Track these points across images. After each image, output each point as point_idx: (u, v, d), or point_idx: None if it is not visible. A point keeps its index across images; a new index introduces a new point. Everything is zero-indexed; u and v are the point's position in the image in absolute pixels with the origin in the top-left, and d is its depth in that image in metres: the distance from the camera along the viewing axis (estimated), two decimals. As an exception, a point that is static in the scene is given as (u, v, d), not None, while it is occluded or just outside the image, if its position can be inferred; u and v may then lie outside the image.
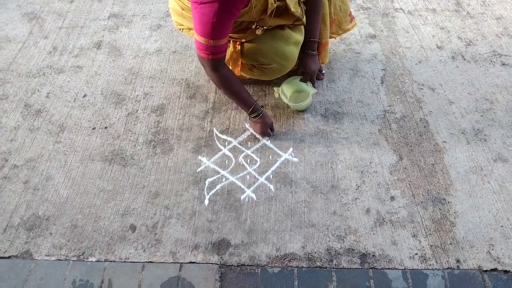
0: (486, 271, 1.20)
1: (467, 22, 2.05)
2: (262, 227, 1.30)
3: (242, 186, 1.40)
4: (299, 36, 1.51)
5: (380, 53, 1.88)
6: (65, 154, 1.49)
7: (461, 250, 1.24)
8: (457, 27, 2.02)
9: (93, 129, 1.57)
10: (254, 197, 1.37)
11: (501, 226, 1.29)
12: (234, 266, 1.22)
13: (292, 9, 1.40)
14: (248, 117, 1.53)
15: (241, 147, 1.52)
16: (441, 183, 1.41)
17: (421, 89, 1.72)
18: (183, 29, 1.62)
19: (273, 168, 1.45)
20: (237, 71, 1.58)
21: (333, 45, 1.90)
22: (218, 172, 1.44)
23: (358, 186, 1.40)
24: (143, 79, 1.76)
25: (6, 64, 1.82)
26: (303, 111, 1.63)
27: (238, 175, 1.43)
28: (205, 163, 1.47)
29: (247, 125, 1.58)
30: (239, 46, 1.51)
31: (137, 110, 1.63)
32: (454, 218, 1.32)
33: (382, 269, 1.21)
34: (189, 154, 1.49)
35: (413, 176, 1.42)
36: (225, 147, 1.52)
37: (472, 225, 1.30)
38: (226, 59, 1.49)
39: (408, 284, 1.18)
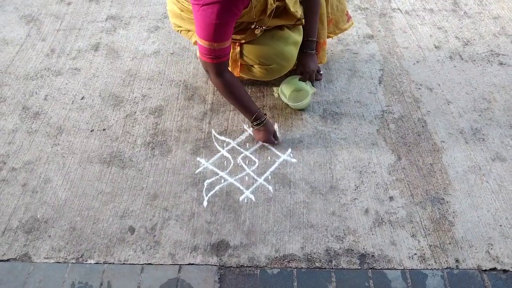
0: (485, 270, 1.20)
1: (464, 22, 2.05)
2: (261, 228, 1.30)
3: (241, 187, 1.40)
4: (298, 36, 1.51)
5: (378, 53, 1.88)
6: (63, 157, 1.48)
7: (460, 249, 1.24)
8: (455, 27, 2.02)
9: (91, 131, 1.57)
10: (253, 198, 1.37)
11: (500, 226, 1.30)
12: (233, 267, 1.22)
13: (292, 9, 1.40)
14: (251, 125, 1.50)
15: (239, 148, 1.52)
16: (439, 183, 1.41)
17: (419, 89, 1.73)
18: (181, 30, 1.62)
19: (271, 169, 1.45)
20: (237, 72, 1.58)
21: (331, 45, 1.91)
22: (217, 174, 1.44)
23: (357, 187, 1.40)
24: (141, 81, 1.76)
25: (3, 67, 1.82)
26: (302, 110, 1.63)
27: (237, 176, 1.43)
28: (203, 165, 1.47)
29: (245, 127, 1.58)
30: (239, 47, 1.51)
31: (135, 112, 1.63)
32: (453, 217, 1.32)
33: (381, 269, 1.21)
34: (187, 155, 1.49)
35: (411, 176, 1.42)
36: (223, 148, 1.51)
37: (471, 224, 1.30)
38: None
39: (407, 284, 1.18)
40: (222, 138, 1.55)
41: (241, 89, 1.46)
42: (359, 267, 1.21)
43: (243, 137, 1.55)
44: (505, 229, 1.29)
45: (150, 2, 2.17)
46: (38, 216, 1.32)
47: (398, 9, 2.13)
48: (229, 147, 1.52)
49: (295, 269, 1.21)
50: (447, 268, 1.21)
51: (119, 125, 1.59)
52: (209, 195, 1.38)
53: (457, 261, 1.22)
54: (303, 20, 1.48)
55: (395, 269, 1.21)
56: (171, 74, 1.79)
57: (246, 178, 1.43)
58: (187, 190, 1.39)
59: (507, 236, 1.27)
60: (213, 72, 1.37)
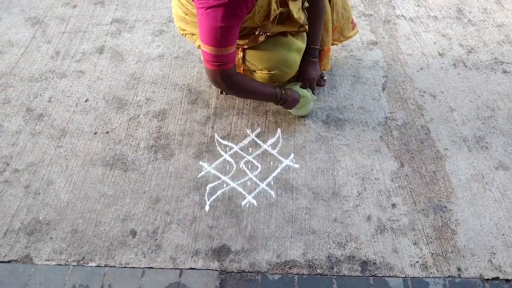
0: (487, 279, 1.20)
1: (468, 30, 2.06)
2: (262, 233, 1.29)
3: (243, 192, 1.40)
4: (301, 43, 1.52)
5: (382, 59, 1.89)
6: (66, 159, 1.49)
7: (462, 258, 1.24)
8: (459, 35, 2.03)
9: (94, 134, 1.57)
10: (255, 203, 1.37)
11: (503, 235, 1.29)
12: (235, 272, 1.21)
13: (295, 16, 1.40)
14: (278, 104, 1.55)
15: (242, 152, 1.52)
16: (442, 190, 1.40)
17: (423, 96, 1.73)
18: (185, 34, 1.62)
19: (274, 174, 1.45)
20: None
21: (335, 51, 1.91)
22: (219, 178, 1.44)
23: (359, 193, 1.39)
24: (145, 84, 1.76)
25: (8, 69, 1.83)
26: (303, 117, 1.63)
27: (239, 181, 1.43)
28: (206, 169, 1.47)
29: (248, 131, 1.58)
30: (241, 53, 1.52)
31: (138, 115, 1.64)
32: (455, 226, 1.31)
33: (383, 276, 1.20)
34: (190, 159, 1.49)
35: (414, 184, 1.42)
36: (226, 153, 1.52)
37: (474, 233, 1.29)
38: None
39: (409, 292, 1.17)
40: (225, 142, 1.55)
41: (252, 83, 1.47)
42: (361, 274, 1.21)
43: (246, 141, 1.55)
44: (507, 238, 1.28)
45: (155, 6, 2.18)
46: (40, 218, 1.33)
47: (402, 16, 2.14)
48: (231, 151, 1.52)
49: (296, 275, 1.20)
50: (449, 276, 1.20)
51: (122, 128, 1.59)
52: (211, 199, 1.38)
53: (459, 269, 1.22)
54: (307, 27, 1.49)
55: (397, 276, 1.20)
56: (175, 78, 1.79)
57: (249, 183, 1.43)
58: (189, 194, 1.39)
59: (509, 245, 1.27)
60: (221, 80, 1.36)
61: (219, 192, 1.40)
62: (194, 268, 1.22)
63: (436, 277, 1.20)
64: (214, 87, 1.74)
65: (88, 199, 1.38)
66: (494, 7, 2.19)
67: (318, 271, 1.21)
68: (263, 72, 1.53)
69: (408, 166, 1.47)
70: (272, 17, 1.37)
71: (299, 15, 1.42)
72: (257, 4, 1.30)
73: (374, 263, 1.23)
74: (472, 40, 2.00)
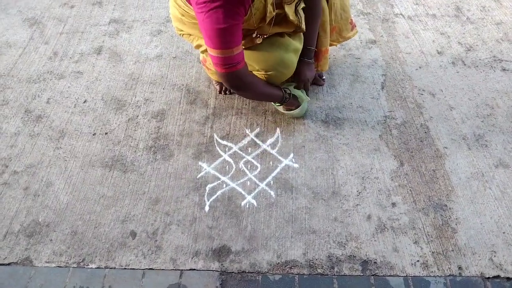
0: (488, 278, 1.20)
1: (467, 28, 2.05)
2: (263, 233, 1.29)
3: (243, 192, 1.40)
4: (298, 44, 1.51)
5: (380, 58, 1.88)
6: (65, 160, 1.48)
7: (463, 257, 1.24)
8: (457, 33, 2.02)
9: (93, 135, 1.57)
10: (255, 203, 1.37)
11: (503, 233, 1.29)
12: (235, 273, 1.21)
13: (291, 17, 1.40)
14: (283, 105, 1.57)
15: (241, 153, 1.52)
16: (442, 189, 1.40)
17: (422, 94, 1.72)
18: (183, 34, 1.62)
19: (273, 174, 1.45)
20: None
21: (333, 50, 1.91)
22: (219, 178, 1.44)
23: (359, 192, 1.39)
24: (143, 84, 1.76)
25: (6, 70, 1.82)
26: (301, 117, 1.62)
27: (239, 181, 1.43)
28: (205, 169, 1.46)
29: (247, 131, 1.58)
30: None
31: (137, 116, 1.63)
32: (456, 224, 1.31)
33: (383, 276, 1.20)
34: (189, 160, 1.49)
35: (414, 182, 1.42)
36: (225, 153, 1.51)
37: (474, 231, 1.29)
38: None
39: (409, 291, 1.17)
40: (224, 142, 1.54)
41: (263, 85, 1.48)
42: (361, 274, 1.21)
43: (245, 141, 1.55)
44: (508, 236, 1.28)
45: (153, 6, 2.18)
46: (40, 220, 1.32)
47: (401, 14, 2.13)
48: (231, 151, 1.52)
49: (297, 275, 1.20)
50: (450, 275, 1.20)
51: (121, 129, 1.59)
52: (211, 200, 1.38)
53: (460, 268, 1.22)
54: (304, 28, 1.48)
55: (398, 276, 1.20)
56: (173, 78, 1.79)
57: (248, 183, 1.43)
58: (189, 195, 1.39)
59: (510, 243, 1.27)
60: (231, 82, 1.36)
61: (218, 193, 1.40)
62: (194, 269, 1.22)
63: (437, 276, 1.20)
64: (212, 87, 1.73)
65: (87, 200, 1.37)
66: (493, 5, 2.19)
67: (319, 271, 1.21)
68: (260, 72, 1.52)
69: (408, 165, 1.47)
70: (268, 19, 1.36)
71: (294, 16, 1.42)
72: (253, 6, 1.30)
73: (375, 262, 1.23)
74: (470, 38, 1.99)
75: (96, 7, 2.17)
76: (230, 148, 1.53)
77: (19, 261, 1.23)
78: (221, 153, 1.51)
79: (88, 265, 1.23)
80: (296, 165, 1.47)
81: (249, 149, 1.53)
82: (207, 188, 1.41)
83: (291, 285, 1.18)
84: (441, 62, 1.87)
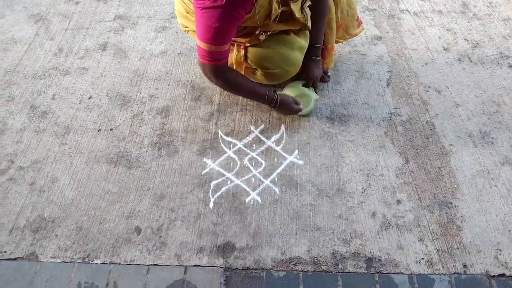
0: (493, 276, 1.19)
1: (473, 24, 2.03)
2: (267, 230, 1.29)
3: (247, 189, 1.40)
4: (304, 42, 1.50)
5: (386, 54, 1.87)
6: (71, 156, 1.49)
7: (468, 254, 1.23)
8: (464, 29, 2.00)
9: (98, 131, 1.57)
10: (259, 200, 1.37)
11: (509, 231, 1.28)
12: (239, 269, 1.21)
13: (297, 15, 1.39)
14: (269, 108, 1.55)
15: (246, 149, 1.51)
16: (447, 186, 1.39)
17: (427, 91, 1.71)
18: (188, 31, 1.62)
19: (278, 171, 1.45)
20: (241, 75, 1.58)
21: (339, 46, 1.89)
22: (223, 175, 1.44)
23: (364, 190, 1.39)
24: (148, 80, 1.76)
25: (12, 66, 1.83)
26: (306, 115, 1.62)
27: (243, 178, 1.43)
28: (210, 166, 1.46)
29: (252, 128, 1.58)
30: (243, 50, 1.51)
31: (142, 112, 1.63)
32: (461, 222, 1.30)
33: (388, 273, 1.20)
34: (194, 156, 1.49)
35: (419, 180, 1.41)
36: (230, 149, 1.51)
37: (479, 229, 1.29)
38: (230, 62, 1.49)
39: (414, 288, 1.17)
40: (229, 139, 1.54)
41: (244, 81, 1.47)
42: (366, 271, 1.20)
43: (249, 138, 1.55)
44: (514, 235, 1.27)
45: (158, 2, 2.17)
46: (45, 215, 1.33)
47: (407, 10, 2.12)
48: (235, 148, 1.52)
49: (301, 272, 1.20)
50: (454, 273, 1.20)
51: (126, 125, 1.59)
52: (215, 196, 1.38)
53: (465, 266, 1.21)
54: (309, 26, 1.47)
55: (402, 273, 1.20)
56: (178, 74, 1.79)
57: (253, 179, 1.43)
58: (194, 191, 1.39)
59: (516, 241, 1.26)
60: (212, 74, 1.39)
61: (223, 189, 1.40)
62: (199, 265, 1.22)
63: (442, 273, 1.20)
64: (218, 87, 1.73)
65: (92, 196, 1.38)
66: (500, 1, 2.16)
67: (323, 268, 1.21)
68: (264, 70, 1.52)
69: (413, 162, 1.46)
70: (273, 17, 1.36)
71: (301, 14, 1.41)
72: (258, 4, 1.29)
73: (379, 259, 1.22)
74: (477, 34, 1.97)
75: (101, 3, 2.17)
76: (235, 145, 1.53)
77: (25, 256, 1.24)
78: (226, 149, 1.51)
79: (93, 260, 1.23)
80: (300, 162, 1.47)
81: (254, 145, 1.53)
82: (211, 185, 1.41)
83: (295, 282, 1.18)
84: (447, 59, 1.85)
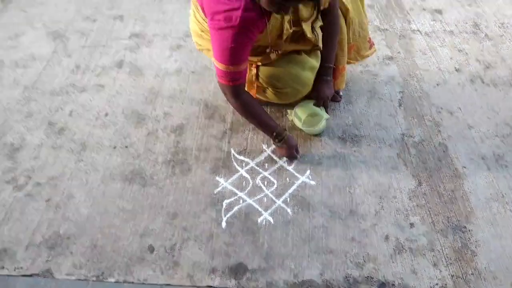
0: (509, 304, 1.18)
1: (485, 45, 2.04)
2: (279, 252, 1.30)
3: (259, 209, 1.41)
4: (315, 62, 1.52)
5: (398, 75, 1.88)
6: (87, 173, 1.52)
7: (483, 281, 1.22)
8: (475, 50, 2.01)
9: (114, 148, 1.60)
10: (271, 221, 1.37)
11: (524, 257, 1.27)
12: (252, 291, 1.21)
13: (309, 35, 1.41)
14: (273, 142, 1.53)
15: (258, 168, 1.53)
16: (461, 210, 1.39)
17: (440, 112, 1.72)
18: (202, 49, 1.65)
19: (290, 191, 1.45)
20: (253, 93, 1.60)
21: (350, 66, 1.91)
22: (236, 194, 1.45)
23: (377, 212, 1.39)
24: (163, 98, 1.79)
25: (31, 82, 1.88)
26: (317, 134, 1.63)
27: (255, 197, 1.44)
28: (222, 184, 1.48)
29: (264, 147, 1.59)
30: (255, 69, 1.54)
31: (157, 130, 1.66)
32: (476, 247, 1.29)
33: (401, 298, 1.19)
34: (207, 174, 1.50)
35: (432, 203, 1.41)
36: (242, 168, 1.53)
37: (495, 255, 1.27)
38: None
39: (428, 315, 1.16)
40: (241, 158, 1.56)
41: (259, 108, 1.48)
42: (379, 296, 1.20)
43: (262, 157, 1.56)
44: (529, 261, 1.26)
45: (173, 21, 2.22)
46: (61, 232, 1.35)
47: (418, 30, 2.13)
48: (248, 167, 1.53)
49: (314, 295, 1.20)
50: (469, 299, 1.19)
51: (141, 142, 1.62)
52: (228, 215, 1.39)
53: (480, 293, 1.20)
54: (321, 46, 1.49)
55: (416, 299, 1.19)
56: (192, 92, 1.82)
57: (265, 199, 1.43)
58: (206, 210, 1.40)
59: (532, 268, 1.24)
60: (231, 94, 1.41)
61: (235, 208, 1.41)
62: (211, 286, 1.22)
63: (456, 300, 1.19)
64: (233, 108, 1.75)
65: (107, 213, 1.40)
66: (512, 22, 2.17)
67: (336, 291, 1.21)
68: (274, 89, 1.54)
69: (426, 185, 1.46)
70: (284, 37, 1.38)
71: (312, 34, 1.43)
72: (270, 23, 1.32)
73: (393, 284, 1.22)
74: (489, 55, 1.98)
75: (118, 21, 2.22)
76: (247, 164, 1.54)
77: (41, 272, 1.26)
78: (238, 168, 1.53)
79: (107, 278, 1.24)
80: (313, 182, 1.48)
81: (266, 164, 1.54)
82: (224, 204, 1.42)
83: (307, 305, 1.18)
84: (459, 80, 1.86)
